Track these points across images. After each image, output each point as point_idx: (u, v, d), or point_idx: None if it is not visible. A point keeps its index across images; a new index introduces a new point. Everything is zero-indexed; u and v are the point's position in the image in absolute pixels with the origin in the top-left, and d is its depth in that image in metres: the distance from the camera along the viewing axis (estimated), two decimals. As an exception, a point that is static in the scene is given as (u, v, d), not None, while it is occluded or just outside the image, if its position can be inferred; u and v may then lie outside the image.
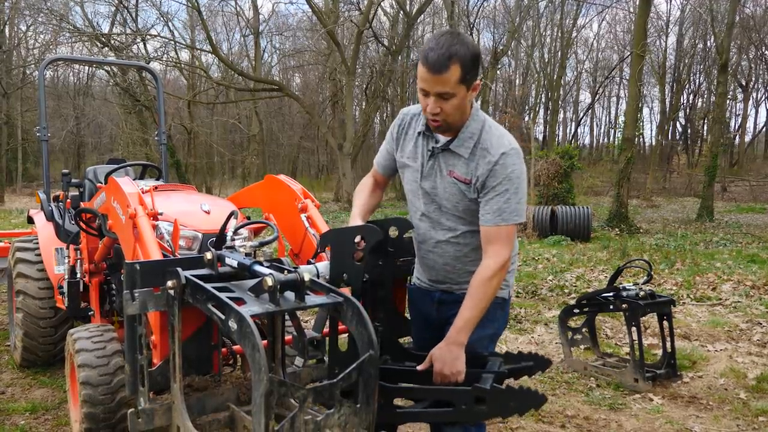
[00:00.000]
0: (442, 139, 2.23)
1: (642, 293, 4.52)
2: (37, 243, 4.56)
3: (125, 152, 23.84)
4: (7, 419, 3.78)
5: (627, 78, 28.00)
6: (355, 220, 2.37)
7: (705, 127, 34.41)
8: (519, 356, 2.32)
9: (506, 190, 2.12)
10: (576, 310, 4.93)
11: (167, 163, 5.62)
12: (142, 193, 2.86)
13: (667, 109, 32.80)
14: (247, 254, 2.27)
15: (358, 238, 2.20)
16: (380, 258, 2.31)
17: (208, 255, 2.20)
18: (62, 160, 32.40)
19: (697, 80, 35.59)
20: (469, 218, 2.23)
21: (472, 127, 2.18)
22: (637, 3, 18.82)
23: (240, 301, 1.87)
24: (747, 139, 36.73)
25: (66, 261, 4.00)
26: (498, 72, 30.75)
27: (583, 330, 4.96)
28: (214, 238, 2.69)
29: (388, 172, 2.52)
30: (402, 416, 2.25)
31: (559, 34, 32.26)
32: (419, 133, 2.29)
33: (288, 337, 2.54)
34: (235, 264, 2.20)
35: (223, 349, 2.69)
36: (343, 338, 2.37)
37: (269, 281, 1.83)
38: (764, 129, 38.46)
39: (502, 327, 2.43)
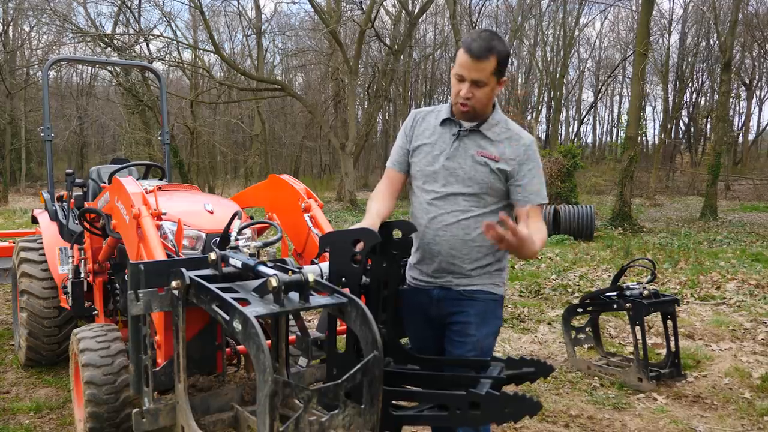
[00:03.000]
0: (467, 124, 2.39)
1: (646, 292, 4.52)
2: (41, 243, 4.56)
3: (128, 152, 23.85)
4: (11, 418, 3.79)
5: (630, 76, 27.97)
6: (365, 225, 2.36)
7: (708, 126, 34.32)
8: (521, 362, 2.31)
9: (539, 173, 2.41)
10: (579, 310, 4.92)
11: (170, 163, 5.63)
12: (146, 193, 2.86)
13: (670, 108, 32.67)
14: (251, 254, 2.27)
15: (359, 244, 2.20)
16: (384, 260, 2.31)
17: (212, 255, 2.20)
18: (65, 160, 32.42)
19: (701, 78, 35.52)
20: (486, 198, 2.37)
21: (497, 117, 2.42)
22: (640, 1, 18.76)
23: (244, 301, 1.87)
24: (750, 137, 36.59)
25: (70, 261, 4.01)
26: (500, 71, 30.60)
27: (587, 329, 4.96)
28: (218, 238, 2.69)
29: (406, 167, 2.56)
30: (396, 418, 2.24)
31: (562, 33, 32.21)
32: (442, 122, 2.43)
33: (292, 337, 2.54)
34: (239, 264, 2.20)
35: (227, 349, 2.69)
36: (340, 339, 2.37)
37: (274, 282, 1.82)
38: (768, 127, 38.37)
39: (500, 324, 2.56)
